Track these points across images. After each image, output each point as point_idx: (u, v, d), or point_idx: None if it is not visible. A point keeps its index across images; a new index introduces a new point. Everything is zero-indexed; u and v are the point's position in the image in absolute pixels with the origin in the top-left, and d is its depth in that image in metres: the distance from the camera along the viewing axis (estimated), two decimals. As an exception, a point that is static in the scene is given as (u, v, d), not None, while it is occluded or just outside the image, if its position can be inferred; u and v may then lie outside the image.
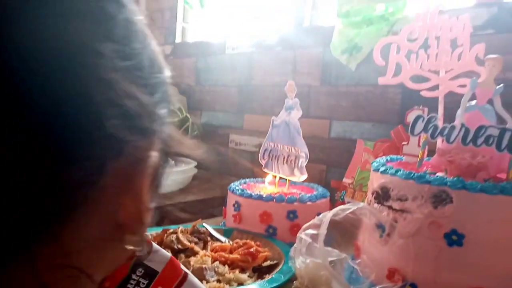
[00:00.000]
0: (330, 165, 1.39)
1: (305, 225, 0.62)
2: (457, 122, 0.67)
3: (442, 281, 0.57)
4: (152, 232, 0.80)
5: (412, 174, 0.61)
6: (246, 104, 1.68)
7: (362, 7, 1.29)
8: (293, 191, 0.94)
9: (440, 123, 0.73)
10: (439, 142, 0.72)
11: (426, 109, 0.75)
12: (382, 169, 0.67)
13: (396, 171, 0.64)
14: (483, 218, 0.57)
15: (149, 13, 2.18)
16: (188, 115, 1.45)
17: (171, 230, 0.78)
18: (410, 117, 0.72)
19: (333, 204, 1.11)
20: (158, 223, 1.07)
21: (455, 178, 0.59)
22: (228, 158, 1.67)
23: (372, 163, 0.73)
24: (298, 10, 1.55)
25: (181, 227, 0.79)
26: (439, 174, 0.65)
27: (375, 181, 0.69)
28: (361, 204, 0.62)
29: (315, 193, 0.90)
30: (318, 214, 0.65)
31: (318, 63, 1.43)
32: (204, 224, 0.86)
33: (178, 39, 2.01)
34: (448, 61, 0.75)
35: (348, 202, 1.10)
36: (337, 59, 1.34)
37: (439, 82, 0.77)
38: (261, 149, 1.00)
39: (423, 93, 0.78)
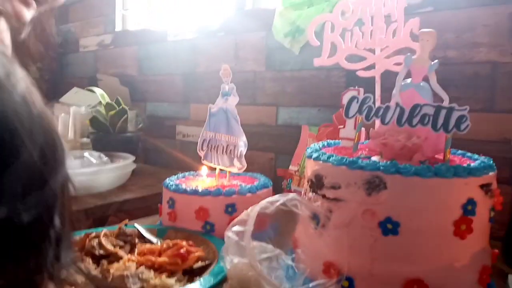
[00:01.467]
0: (278, 153, 1.34)
1: (233, 221, 0.56)
2: (392, 102, 0.64)
3: (378, 272, 0.54)
4: (74, 237, 0.72)
5: (344, 160, 0.57)
6: (192, 93, 1.60)
7: (303, -13, 1.24)
8: (234, 183, 0.88)
9: (377, 104, 0.69)
10: (376, 123, 0.68)
11: (361, 90, 0.71)
12: (315, 155, 0.62)
13: (329, 157, 0.59)
14: (418, 204, 0.53)
15: (87, 0, 2.03)
16: (125, 107, 1.35)
17: (93, 234, 0.70)
18: (345, 99, 0.67)
19: (280, 193, 1.07)
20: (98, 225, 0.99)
21: (388, 162, 0.55)
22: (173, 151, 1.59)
23: (306, 150, 0.68)
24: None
25: (104, 230, 0.72)
26: (374, 158, 0.61)
27: (309, 169, 0.64)
28: (291, 195, 0.57)
29: (255, 183, 0.85)
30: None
31: (262, 48, 1.37)
32: (135, 225, 0.79)
33: (118, 28, 1.89)
34: (383, 38, 0.71)
35: (295, 191, 1.06)
36: (280, 43, 1.29)
37: (375, 60, 0.73)
38: (199, 139, 0.93)
39: (359, 73, 0.74)
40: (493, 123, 0.91)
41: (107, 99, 1.39)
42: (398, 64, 0.71)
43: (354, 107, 0.65)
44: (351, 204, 0.55)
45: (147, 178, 1.35)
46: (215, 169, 0.91)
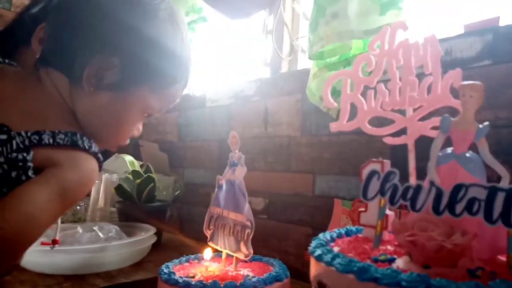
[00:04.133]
0: (316, 228, 1.16)
1: None
2: (425, 180, 0.47)
3: None
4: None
5: (352, 265, 0.40)
6: (227, 160, 1.50)
7: (337, 46, 1.12)
8: (241, 273, 0.73)
9: (412, 180, 0.53)
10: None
11: (387, 162, 0.55)
12: (317, 253, 0.46)
13: (333, 259, 0.43)
14: None
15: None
16: (153, 175, 1.28)
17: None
18: (365, 174, 0.52)
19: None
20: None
21: (415, 274, 0.37)
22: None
23: (312, 241, 0.52)
24: (274, 56, 1.41)
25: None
26: (399, 261, 0.44)
27: (312, 270, 0.48)
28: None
29: (265, 275, 0.69)
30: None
31: (297, 111, 1.26)
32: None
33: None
34: (414, 96, 0.56)
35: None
36: (316, 106, 1.17)
37: (406, 124, 0.57)
38: (206, 216, 0.81)
39: (387, 140, 0.58)
40: None
41: (137, 167, 1.34)
42: (437, 128, 0.54)
43: (374, 186, 0.49)
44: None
45: (169, 253, 1.22)
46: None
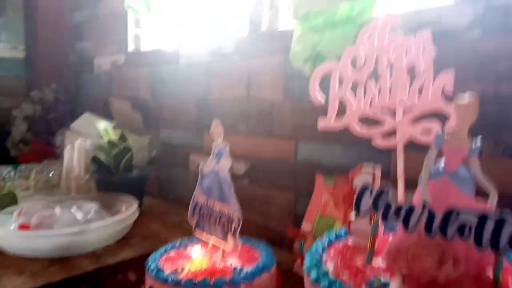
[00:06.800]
0: (299, 194, 1.18)
1: None
2: (415, 197, 0.46)
3: None
4: None
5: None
6: (206, 121, 1.47)
7: (323, 9, 1.05)
8: (228, 263, 0.73)
9: (400, 185, 0.52)
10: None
11: (378, 170, 0.53)
12: (313, 275, 0.46)
13: (330, 285, 0.43)
14: None
15: (102, 18, 1.95)
16: (130, 145, 1.24)
17: None
18: (357, 183, 0.51)
19: (291, 256, 0.91)
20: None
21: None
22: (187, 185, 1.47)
23: (306, 256, 0.52)
24: (254, 12, 1.32)
25: None
26: (393, 282, 0.44)
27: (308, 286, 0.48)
28: None
29: (253, 267, 0.69)
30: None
31: (280, 74, 1.21)
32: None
33: (130, 48, 1.79)
34: (405, 98, 0.53)
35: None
36: (299, 71, 1.12)
37: (395, 126, 0.55)
38: (190, 203, 0.79)
39: (376, 143, 0.57)
40: None
41: (112, 135, 1.29)
42: (427, 132, 0.53)
43: (367, 202, 0.48)
44: None
45: (153, 223, 1.23)
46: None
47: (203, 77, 1.46)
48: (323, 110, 1.09)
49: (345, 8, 1.02)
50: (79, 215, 0.98)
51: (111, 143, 1.22)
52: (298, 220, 1.01)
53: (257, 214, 1.28)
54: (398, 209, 0.45)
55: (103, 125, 1.32)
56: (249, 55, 1.29)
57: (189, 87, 1.52)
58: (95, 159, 1.22)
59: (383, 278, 0.45)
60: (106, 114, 1.80)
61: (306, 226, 0.90)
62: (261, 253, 0.76)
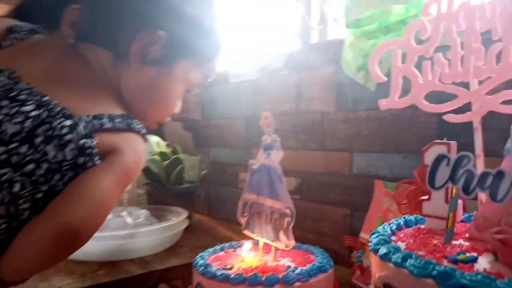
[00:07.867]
0: (354, 209, 1.11)
1: None
2: (505, 164, 0.40)
3: None
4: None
5: (430, 269, 0.34)
6: (254, 138, 1.45)
7: (375, 12, 1.03)
8: (281, 263, 0.68)
9: (480, 164, 0.46)
10: (480, 197, 0.45)
11: (453, 144, 0.48)
12: (382, 251, 0.40)
13: (404, 259, 0.37)
14: None
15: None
16: (181, 156, 1.24)
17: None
18: (428, 158, 0.45)
19: (348, 267, 0.84)
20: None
21: (507, 280, 0.31)
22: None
23: (370, 235, 0.46)
24: (303, 25, 1.32)
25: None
26: (482, 259, 0.38)
27: (375, 270, 0.42)
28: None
29: (308, 266, 0.64)
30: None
31: (331, 85, 1.18)
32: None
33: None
34: (481, 66, 0.48)
35: (368, 266, 0.82)
36: (352, 79, 1.09)
37: (470, 99, 0.50)
38: (239, 202, 0.76)
39: (448, 118, 0.51)
40: None
41: (163, 148, 1.31)
42: (508, 102, 0.47)
43: (444, 172, 0.42)
44: None
45: (201, 237, 1.20)
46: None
47: (251, 95, 1.46)
48: (378, 119, 1.05)
49: (399, 11, 0.98)
50: (129, 220, 0.97)
51: (162, 154, 1.23)
52: (354, 236, 0.94)
53: (309, 232, 1.22)
54: (484, 176, 0.39)
55: (154, 138, 1.34)
56: (298, 68, 1.28)
57: (238, 105, 1.52)
58: (146, 169, 1.23)
59: (469, 255, 0.38)
60: (159, 136, 1.84)
61: (364, 235, 0.83)
62: (317, 256, 0.70)
